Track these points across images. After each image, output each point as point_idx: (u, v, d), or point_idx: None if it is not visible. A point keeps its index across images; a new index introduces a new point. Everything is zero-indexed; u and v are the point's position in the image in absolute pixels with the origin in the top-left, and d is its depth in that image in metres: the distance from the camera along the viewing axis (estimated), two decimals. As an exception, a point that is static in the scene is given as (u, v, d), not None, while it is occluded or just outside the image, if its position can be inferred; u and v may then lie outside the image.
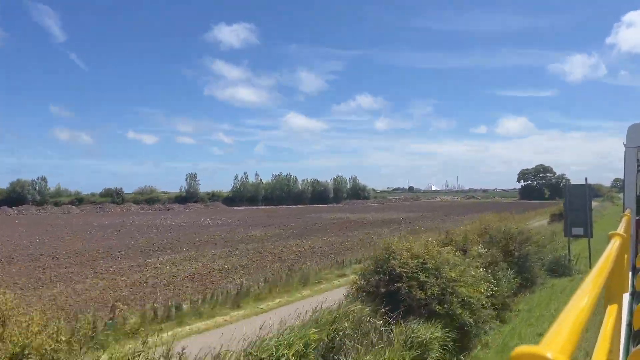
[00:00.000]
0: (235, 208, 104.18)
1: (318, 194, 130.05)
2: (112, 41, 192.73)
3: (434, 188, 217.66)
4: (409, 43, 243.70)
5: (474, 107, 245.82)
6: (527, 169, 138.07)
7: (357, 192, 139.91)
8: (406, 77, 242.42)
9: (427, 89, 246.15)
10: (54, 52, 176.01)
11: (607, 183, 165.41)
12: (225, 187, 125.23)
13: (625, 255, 3.55)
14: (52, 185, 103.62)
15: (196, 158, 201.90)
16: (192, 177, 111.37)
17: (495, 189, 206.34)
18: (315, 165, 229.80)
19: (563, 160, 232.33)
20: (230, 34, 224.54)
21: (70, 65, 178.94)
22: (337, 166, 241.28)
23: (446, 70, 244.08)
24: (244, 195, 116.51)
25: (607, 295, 2.36)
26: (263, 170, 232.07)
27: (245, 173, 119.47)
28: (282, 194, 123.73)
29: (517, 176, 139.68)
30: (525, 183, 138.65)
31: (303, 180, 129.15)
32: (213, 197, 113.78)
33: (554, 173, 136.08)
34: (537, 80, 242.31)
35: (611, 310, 2.23)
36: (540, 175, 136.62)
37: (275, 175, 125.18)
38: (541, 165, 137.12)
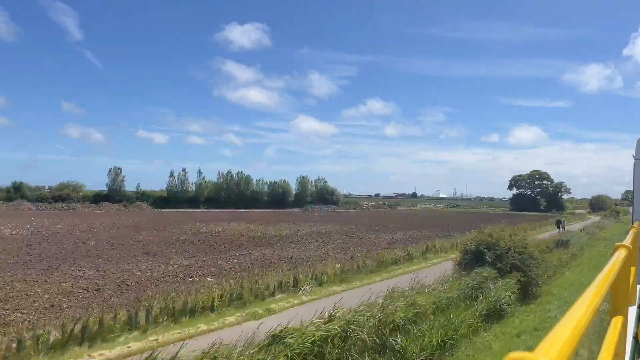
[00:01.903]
0: (163, 210, 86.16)
1: (276, 197, 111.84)
2: (126, 40, 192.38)
3: (441, 195, 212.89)
4: (422, 50, 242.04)
5: (487, 115, 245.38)
6: (520, 175, 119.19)
7: (324, 197, 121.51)
8: (418, 84, 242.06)
9: (439, 97, 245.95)
10: (69, 50, 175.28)
11: (618, 196, 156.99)
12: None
13: (633, 268, 3.67)
14: None
15: (206, 159, 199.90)
16: (116, 173, 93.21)
17: (504, 198, 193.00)
18: (324, 170, 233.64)
19: (574, 171, 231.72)
20: (242, 35, 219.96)
21: (85, 64, 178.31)
22: (346, 171, 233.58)
23: (459, 78, 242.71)
24: (181, 196, 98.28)
25: (613, 307, 2.36)
26: (271, 174, 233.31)
27: (184, 169, 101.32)
28: (231, 195, 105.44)
29: (508, 183, 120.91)
30: (519, 191, 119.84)
31: (258, 181, 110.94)
32: (142, 197, 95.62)
33: (552, 181, 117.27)
34: (551, 91, 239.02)
35: (616, 321, 2.22)
36: (536, 182, 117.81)
37: (222, 174, 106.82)
38: (536, 171, 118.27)
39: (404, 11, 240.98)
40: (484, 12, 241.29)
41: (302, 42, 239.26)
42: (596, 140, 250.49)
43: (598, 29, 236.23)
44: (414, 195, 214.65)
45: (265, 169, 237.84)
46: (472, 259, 17.41)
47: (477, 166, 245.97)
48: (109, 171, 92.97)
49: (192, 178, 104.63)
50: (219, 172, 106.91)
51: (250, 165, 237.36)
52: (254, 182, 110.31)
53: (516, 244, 18.05)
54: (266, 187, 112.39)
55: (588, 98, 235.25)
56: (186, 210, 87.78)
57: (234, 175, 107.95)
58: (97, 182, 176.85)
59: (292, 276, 16.66)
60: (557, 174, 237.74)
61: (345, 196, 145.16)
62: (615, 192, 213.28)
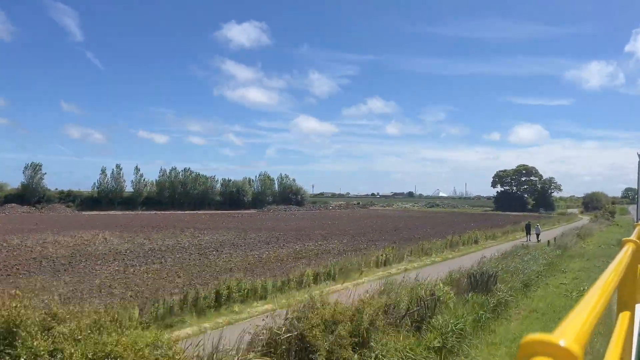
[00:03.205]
0: (86, 213, 73.87)
1: (231, 197, 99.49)
2: (126, 41, 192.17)
3: (441, 194, 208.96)
4: (423, 49, 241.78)
5: (488, 114, 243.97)
6: (504, 171, 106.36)
7: (288, 196, 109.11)
8: (419, 82, 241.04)
9: (440, 95, 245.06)
10: (70, 50, 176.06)
11: (618, 194, 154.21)
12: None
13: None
14: None
15: (207, 159, 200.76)
16: (34, 170, 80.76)
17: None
18: (325, 169, 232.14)
19: (576, 169, 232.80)
20: (241, 33, 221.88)
21: (86, 64, 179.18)
22: (347, 170, 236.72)
23: (460, 77, 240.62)
24: (115, 196, 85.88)
25: (620, 303, 2.38)
26: (271, 174, 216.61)
27: (118, 166, 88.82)
28: (176, 195, 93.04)
29: (491, 180, 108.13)
30: (503, 188, 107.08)
31: (208, 179, 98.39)
32: (67, 197, 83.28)
33: (540, 176, 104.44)
34: (553, 88, 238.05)
35: (623, 317, 2.21)
36: (522, 179, 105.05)
37: (164, 171, 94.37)
38: (523, 166, 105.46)
39: (405, 10, 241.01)
40: (485, 10, 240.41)
41: (302, 41, 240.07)
42: (598, 138, 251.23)
43: (599, 26, 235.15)
44: (410, 194, 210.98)
45: (267, 169, 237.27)
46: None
47: (479, 165, 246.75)
48: (25, 167, 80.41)
49: (151, 175, 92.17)
50: (161, 169, 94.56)
51: (251, 165, 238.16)
52: (205, 180, 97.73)
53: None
54: (219, 185, 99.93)
55: (590, 96, 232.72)
56: (104, 212, 75.44)
57: (180, 173, 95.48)
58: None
59: None
60: (558, 172, 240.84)
61: (313, 195, 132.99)
62: (617, 190, 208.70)
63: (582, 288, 17.76)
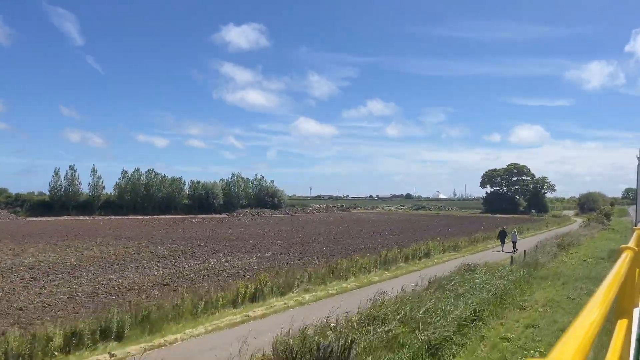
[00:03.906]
0: (32, 219, 66.92)
1: (200, 201, 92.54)
2: (126, 45, 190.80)
3: (441, 196, 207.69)
4: (423, 50, 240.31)
5: (488, 115, 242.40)
6: (494, 170, 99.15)
7: (264, 199, 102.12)
8: (419, 84, 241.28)
9: (440, 97, 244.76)
10: (71, 55, 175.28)
11: (619, 194, 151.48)
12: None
13: (638, 270, 3.58)
14: None
15: (207, 162, 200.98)
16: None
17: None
18: (326, 172, 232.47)
19: (577, 170, 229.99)
20: (239, 36, 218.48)
21: (86, 68, 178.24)
22: (348, 172, 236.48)
23: (460, 78, 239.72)
24: (69, 200, 78.93)
25: (618, 310, 2.34)
26: (271, 177, 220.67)
27: (72, 167, 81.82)
28: (137, 198, 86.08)
29: (480, 179, 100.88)
30: (493, 189, 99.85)
31: (175, 181, 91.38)
32: (16, 201, 76.29)
33: (532, 176, 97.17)
34: (553, 89, 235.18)
35: (621, 324, 2.20)
36: (514, 179, 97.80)
37: (125, 173, 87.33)
38: (514, 164, 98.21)
39: (404, 11, 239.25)
40: (485, 11, 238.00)
41: (301, 43, 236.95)
42: (599, 138, 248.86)
43: (599, 25, 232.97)
44: (408, 196, 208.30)
45: (267, 172, 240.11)
46: None
47: (479, 166, 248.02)
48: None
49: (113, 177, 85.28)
50: (122, 171, 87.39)
51: (252, 168, 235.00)
52: (171, 182, 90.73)
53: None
54: (187, 188, 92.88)
55: (590, 96, 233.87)
56: (53, 218, 68.45)
57: (142, 175, 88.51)
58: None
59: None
60: (559, 173, 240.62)
61: (290, 198, 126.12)
62: (619, 190, 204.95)
63: (540, 347, 10.86)
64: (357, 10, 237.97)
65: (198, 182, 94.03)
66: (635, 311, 3.27)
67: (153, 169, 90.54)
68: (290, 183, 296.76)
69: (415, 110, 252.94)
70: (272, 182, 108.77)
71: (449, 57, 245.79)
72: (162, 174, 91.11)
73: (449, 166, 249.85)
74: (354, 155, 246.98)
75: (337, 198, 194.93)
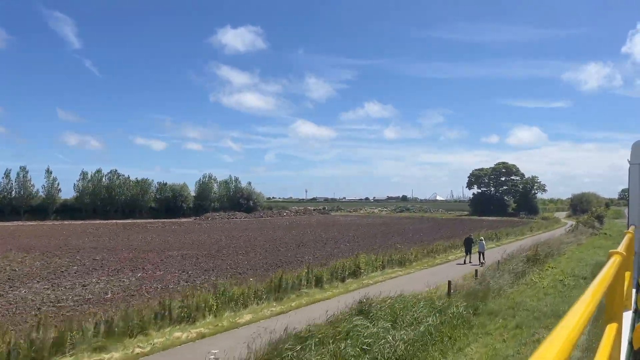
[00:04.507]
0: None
1: (167, 204, 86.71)
2: (123, 48, 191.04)
3: (438, 198, 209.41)
4: (420, 53, 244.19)
5: (486, 117, 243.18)
6: (481, 169, 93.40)
7: (238, 201, 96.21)
8: (417, 86, 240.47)
9: (438, 99, 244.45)
10: (69, 58, 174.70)
11: (615, 195, 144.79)
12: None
13: (628, 273, 3.66)
14: None
15: (206, 166, 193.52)
16: None
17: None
18: (325, 174, 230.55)
19: (575, 171, 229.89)
20: (236, 38, 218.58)
21: (84, 72, 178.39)
22: (347, 175, 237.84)
23: (458, 80, 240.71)
24: (20, 204, 72.96)
25: (608, 314, 2.37)
26: (270, 179, 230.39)
27: (23, 168, 75.79)
28: (97, 202, 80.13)
29: (467, 180, 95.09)
30: (480, 190, 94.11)
31: (139, 182, 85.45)
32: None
33: (522, 175, 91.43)
34: (550, 91, 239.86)
35: (611, 328, 2.22)
36: (502, 179, 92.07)
37: (84, 174, 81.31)
38: (502, 163, 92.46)
39: (402, 14, 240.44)
40: (482, 14, 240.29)
41: (297, 45, 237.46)
42: (596, 140, 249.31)
43: (596, 27, 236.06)
44: (404, 198, 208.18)
45: (265, 175, 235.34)
46: None
47: (478, 167, 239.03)
48: None
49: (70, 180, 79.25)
50: (81, 172, 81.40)
51: (250, 171, 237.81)
52: (135, 184, 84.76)
53: None
54: (153, 190, 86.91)
55: (587, 98, 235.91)
56: (1, 224, 62.48)
57: (104, 176, 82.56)
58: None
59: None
60: (557, 174, 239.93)
61: (269, 199, 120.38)
62: (616, 192, 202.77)
63: None
64: (354, 12, 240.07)
65: (165, 184, 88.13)
66: (625, 315, 3.29)
67: (116, 170, 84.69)
68: (289, 185, 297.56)
69: (414, 112, 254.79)
70: (249, 183, 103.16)
71: (446, 59, 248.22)
72: (126, 175, 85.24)
73: (448, 168, 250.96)
74: (352, 157, 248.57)
75: (333, 200, 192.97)
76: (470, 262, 27.59)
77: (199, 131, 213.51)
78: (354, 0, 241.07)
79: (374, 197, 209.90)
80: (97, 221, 73.90)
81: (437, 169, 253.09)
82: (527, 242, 34.21)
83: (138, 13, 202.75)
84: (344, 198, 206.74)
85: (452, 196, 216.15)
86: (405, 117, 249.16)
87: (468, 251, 28.07)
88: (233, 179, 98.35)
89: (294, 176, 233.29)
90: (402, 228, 56.99)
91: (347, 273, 18.93)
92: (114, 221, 74.51)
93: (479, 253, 27.64)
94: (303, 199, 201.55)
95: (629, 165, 7.84)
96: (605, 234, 45.14)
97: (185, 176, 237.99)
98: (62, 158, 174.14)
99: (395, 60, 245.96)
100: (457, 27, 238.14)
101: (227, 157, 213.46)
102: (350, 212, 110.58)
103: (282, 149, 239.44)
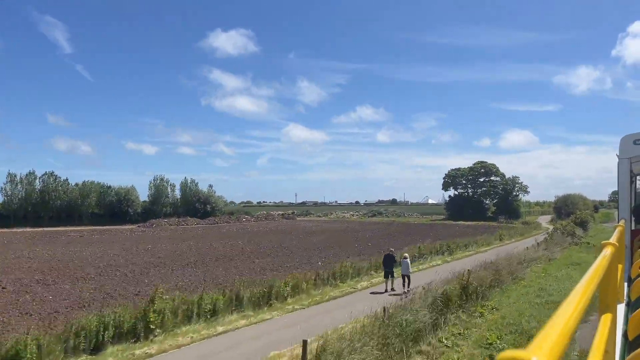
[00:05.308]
0: None
1: (111, 209, 78.19)
2: (114, 52, 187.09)
3: (430, 201, 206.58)
4: (412, 56, 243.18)
5: (478, 120, 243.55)
6: (458, 169, 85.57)
7: (194, 206, 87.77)
8: (409, 90, 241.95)
9: (430, 102, 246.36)
10: (59, 62, 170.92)
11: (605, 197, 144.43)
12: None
13: (620, 266, 3.67)
14: None
15: (198, 170, 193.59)
16: None
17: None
18: (319, 178, 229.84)
19: (567, 174, 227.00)
20: (227, 41, 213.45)
21: (75, 76, 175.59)
22: (341, 179, 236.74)
23: (450, 84, 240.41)
24: None
25: (602, 305, 2.39)
26: (263, 184, 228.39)
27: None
28: (28, 207, 71.47)
29: (442, 181, 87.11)
30: (457, 191, 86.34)
31: (78, 186, 76.86)
32: None
33: (502, 175, 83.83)
34: (541, 94, 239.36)
35: (605, 319, 2.23)
36: (480, 180, 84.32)
37: (12, 176, 72.59)
38: (481, 162, 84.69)
39: (394, 18, 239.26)
40: (473, 18, 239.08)
41: (289, 49, 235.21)
42: (587, 142, 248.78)
43: (586, 31, 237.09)
44: (394, 201, 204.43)
45: (259, 179, 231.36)
46: None
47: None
48: None
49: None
50: (8, 174, 72.68)
51: (243, 175, 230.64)
52: (74, 188, 76.13)
53: None
54: (93, 194, 78.24)
55: (578, 101, 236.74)
56: None
57: (37, 179, 73.95)
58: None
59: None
60: (549, 177, 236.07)
61: (233, 203, 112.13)
62: (607, 194, 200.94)
63: None
64: (346, 16, 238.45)
65: (108, 188, 79.54)
66: (620, 307, 3.32)
67: (52, 172, 76.05)
68: (283, 190, 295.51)
69: (406, 116, 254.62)
70: (210, 186, 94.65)
71: (438, 63, 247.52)
72: (65, 178, 76.63)
73: (440, 171, 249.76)
74: (345, 161, 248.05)
75: (323, 204, 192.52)
76: (392, 289, 19.70)
77: (191, 135, 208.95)
78: (346, 4, 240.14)
79: (365, 201, 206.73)
80: (27, 229, 65.47)
81: (430, 172, 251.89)
82: (488, 256, 26.43)
83: (129, 17, 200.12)
84: (336, 202, 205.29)
85: (444, 199, 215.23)
86: (398, 121, 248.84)
87: (389, 274, 20.09)
88: (189, 181, 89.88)
89: (287, 180, 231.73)
90: (355, 236, 49.01)
91: (141, 328, 10.83)
92: (42, 229, 66.06)
93: (403, 277, 19.75)
94: (293, 203, 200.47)
95: (617, 160, 7.85)
96: (589, 243, 37.35)
97: (177, 181, 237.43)
98: (53, 163, 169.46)
99: (387, 64, 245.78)
100: (449, 31, 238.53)
101: (220, 161, 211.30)
102: (320, 216, 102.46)
103: (275, 153, 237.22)
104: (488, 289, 16.12)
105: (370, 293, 19.32)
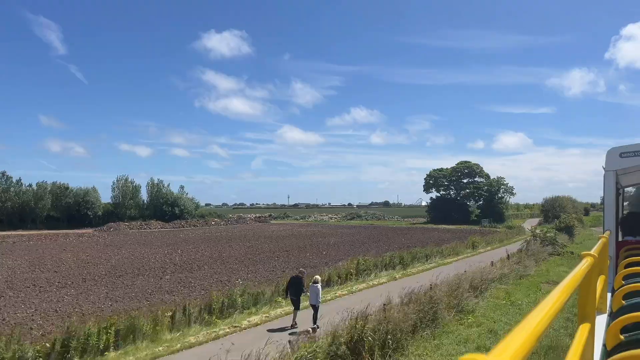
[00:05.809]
0: None
1: (68, 211, 72.86)
2: (108, 53, 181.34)
3: (423, 203, 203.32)
4: (407, 59, 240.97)
5: (472, 123, 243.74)
6: (440, 170, 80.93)
7: (161, 209, 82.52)
8: (403, 92, 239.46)
9: (424, 105, 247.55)
10: (53, 63, 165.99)
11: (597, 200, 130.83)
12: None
13: (603, 277, 3.74)
14: None
15: (192, 171, 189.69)
16: None
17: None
18: (313, 180, 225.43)
19: (560, 176, 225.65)
20: (220, 42, 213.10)
21: (68, 77, 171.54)
22: (335, 181, 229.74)
23: (444, 87, 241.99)
24: None
25: (580, 314, 2.39)
26: (258, 185, 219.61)
27: None
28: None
29: (423, 182, 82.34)
30: (439, 193, 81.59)
31: (31, 186, 71.46)
32: None
33: (487, 176, 79.25)
34: (535, 97, 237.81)
35: (583, 329, 2.23)
36: (464, 181, 79.71)
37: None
38: (464, 162, 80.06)
39: (389, 20, 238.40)
40: (468, 21, 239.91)
41: (283, 50, 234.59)
42: (580, 145, 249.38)
43: (579, 34, 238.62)
44: (386, 203, 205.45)
45: (253, 180, 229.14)
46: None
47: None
48: None
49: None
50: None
51: (238, 177, 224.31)
52: (27, 189, 70.71)
53: None
54: (48, 195, 72.82)
55: (572, 103, 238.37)
56: None
57: (-16, 179, 68.49)
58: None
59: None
60: (543, 179, 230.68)
61: (208, 206, 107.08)
62: (599, 197, 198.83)
63: None
64: (340, 19, 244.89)
65: (66, 189, 74.16)
66: (601, 317, 3.32)
67: (4, 172, 70.59)
68: (277, 192, 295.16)
69: (400, 118, 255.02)
70: (182, 187, 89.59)
71: (433, 66, 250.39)
72: (18, 178, 71.22)
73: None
74: (339, 163, 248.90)
75: (315, 206, 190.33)
76: (295, 323, 14.77)
77: (185, 137, 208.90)
78: (340, 7, 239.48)
79: (358, 203, 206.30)
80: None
81: (424, 174, 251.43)
82: (451, 270, 21.86)
83: (123, 19, 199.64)
84: (329, 204, 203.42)
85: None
86: (392, 123, 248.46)
87: (296, 303, 15.14)
88: (155, 182, 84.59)
89: (281, 182, 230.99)
90: (318, 242, 44.07)
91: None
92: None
93: (312, 307, 14.82)
94: (285, 205, 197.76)
95: (604, 172, 7.92)
96: (572, 253, 32.54)
97: (171, 183, 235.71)
98: (46, 164, 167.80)
99: (381, 67, 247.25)
100: (443, 34, 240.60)
101: (214, 163, 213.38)
102: (297, 219, 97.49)
103: (269, 155, 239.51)
104: (410, 335, 11.17)
105: (268, 330, 14.38)
